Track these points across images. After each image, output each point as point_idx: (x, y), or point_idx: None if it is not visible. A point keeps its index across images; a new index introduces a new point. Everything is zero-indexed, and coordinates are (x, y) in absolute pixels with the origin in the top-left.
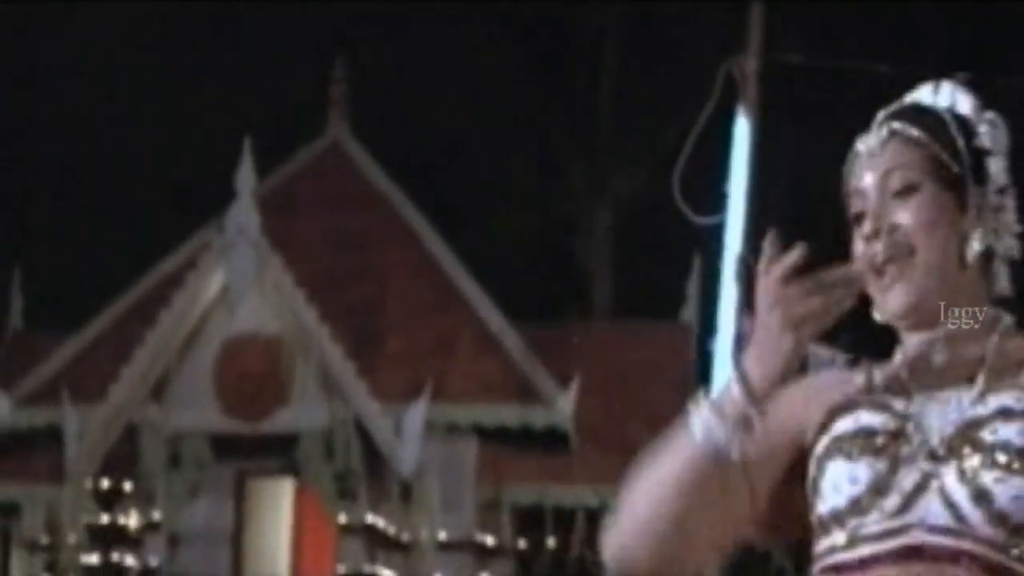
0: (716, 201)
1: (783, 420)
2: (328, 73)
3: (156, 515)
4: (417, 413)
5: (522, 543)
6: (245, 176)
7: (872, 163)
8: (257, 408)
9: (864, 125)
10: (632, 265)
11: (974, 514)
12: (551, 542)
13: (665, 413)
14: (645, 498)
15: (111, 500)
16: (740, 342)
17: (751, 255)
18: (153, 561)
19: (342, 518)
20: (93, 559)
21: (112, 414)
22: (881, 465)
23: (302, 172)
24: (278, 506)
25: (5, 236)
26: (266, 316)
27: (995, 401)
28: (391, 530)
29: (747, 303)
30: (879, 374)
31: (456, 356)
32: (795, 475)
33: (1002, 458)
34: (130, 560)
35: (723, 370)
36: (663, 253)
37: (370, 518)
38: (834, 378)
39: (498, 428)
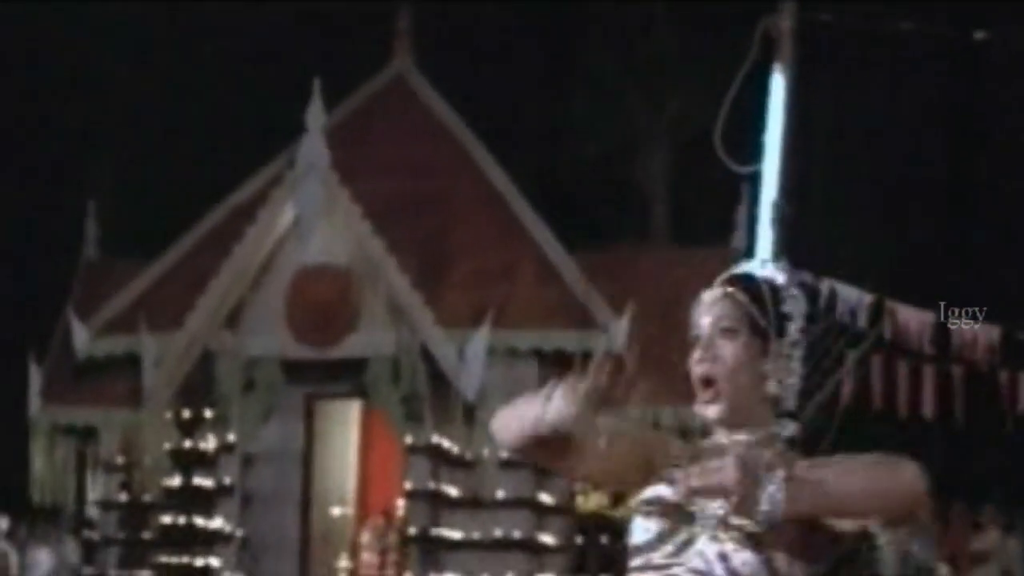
0: (757, 150)
1: (640, 448)
2: (393, 6)
3: (231, 437)
4: (480, 339)
5: None
6: (315, 113)
7: (710, 311)
8: (327, 335)
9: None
10: (689, 190)
11: (718, 566)
12: None
13: None
14: (512, 426)
15: (191, 427)
16: None
17: (785, 201)
18: (227, 480)
19: (408, 438)
20: (173, 481)
21: (188, 341)
22: (665, 524)
23: (368, 105)
24: (347, 427)
25: (80, 168)
26: (336, 247)
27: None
28: (455, 449)
29: (781, 245)
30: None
31: (517, 284)
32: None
33: (736, 535)
34: (206, 480)
35: None
36: (718, 178)
37: (435, 438)
38: (662, 443)
39: (557, 352)
